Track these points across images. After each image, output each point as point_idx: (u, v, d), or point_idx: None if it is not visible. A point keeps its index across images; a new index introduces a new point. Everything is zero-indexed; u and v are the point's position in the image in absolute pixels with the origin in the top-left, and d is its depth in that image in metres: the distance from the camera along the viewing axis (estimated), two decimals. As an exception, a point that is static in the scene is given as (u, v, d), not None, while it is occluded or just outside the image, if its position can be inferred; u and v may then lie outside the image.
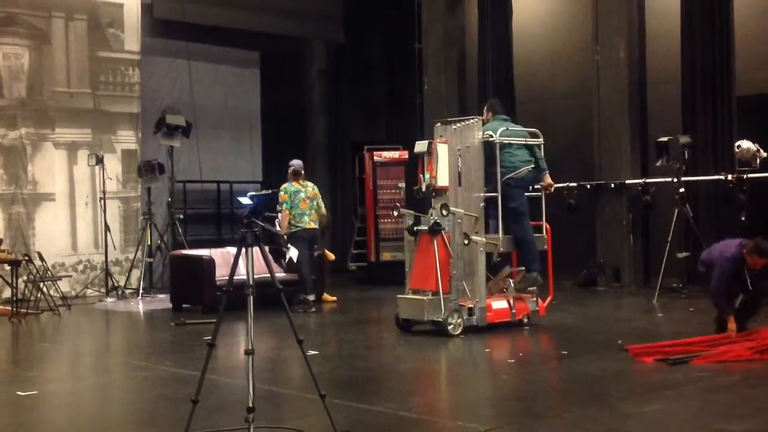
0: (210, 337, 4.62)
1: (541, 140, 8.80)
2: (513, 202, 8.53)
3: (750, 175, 10.05)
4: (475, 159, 8.47)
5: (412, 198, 9.63)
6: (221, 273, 10.33)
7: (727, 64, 11.12)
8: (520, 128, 8.98)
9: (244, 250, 4.43)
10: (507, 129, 8.64)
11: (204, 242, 13.08)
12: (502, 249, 8.50)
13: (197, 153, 13.92)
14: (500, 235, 8.46)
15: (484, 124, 8.67)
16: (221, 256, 10.61)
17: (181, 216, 13.22)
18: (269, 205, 4.74)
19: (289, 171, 10.66)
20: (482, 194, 8.50)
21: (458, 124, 8.44)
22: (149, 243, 12.67)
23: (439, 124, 8.60)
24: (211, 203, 14.76)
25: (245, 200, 4.54)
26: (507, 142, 8.55)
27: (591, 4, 12.33)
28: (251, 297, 4.39)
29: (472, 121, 8.56)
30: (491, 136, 8.42)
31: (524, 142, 8.68)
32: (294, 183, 10.54)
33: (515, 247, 8.68)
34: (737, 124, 10.99)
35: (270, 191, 5.82)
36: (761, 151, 9.70)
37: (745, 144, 9.75)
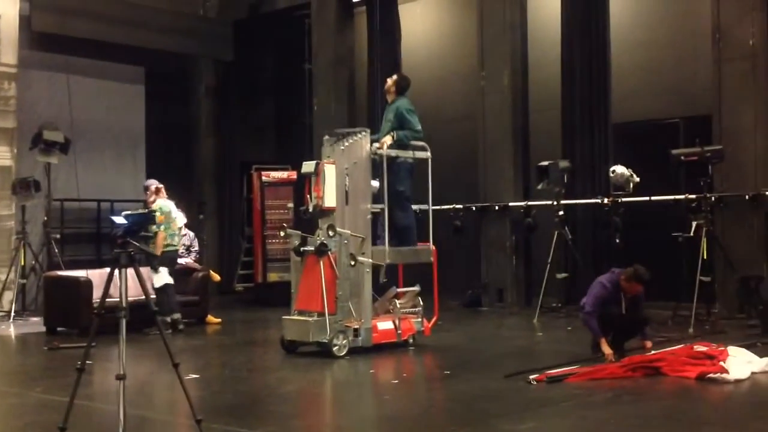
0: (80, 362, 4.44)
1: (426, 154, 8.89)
2: (400, 185, 8.60)
3: (624, 200, 10.48)
4: (362, 177, 8.47)
5: (300, 218, 9.58)
6: (99, 295, 9.93)
7: (604, 93, 11.60)
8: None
9: (117, 271, 4.29)
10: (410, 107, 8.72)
11: (82, 263, 12.58)
12: (389, 260, 8.45)
13: (75, 170, 13.44)
14: (386, 248, 8.43)
15: (390, 99, 8.79)
16: (99, 277, 10.20)
17: (58, 235, 12.72)
18: (144, 225, 4.61)
19: (152, 189, 10.41)
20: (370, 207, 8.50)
21: (346, 142, 8.44)
22: (23, 263, 12.12)
23: (327, 137, 8.58)
24: (91, 222, 14.27)
25: (119, 220, 4.37)
26: (408, 114, 8.58)
27: (477, 32, 12.64)
28: (124, 320, 4.23)
29: (360, 135, 8.51)
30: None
31: (411, 156, 8.73)
32: (164, 201, 10.31)
33: (397, 235, 8.63)
34: (613, 149, 11.47)
35: (146, 210, 5.69)
36: (634, 176, 10.13)
37: (620, 169, 10.16)
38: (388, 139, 8.47)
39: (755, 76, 10.07)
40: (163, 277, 9.93)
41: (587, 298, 7.51)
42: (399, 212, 8.60)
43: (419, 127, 8.66)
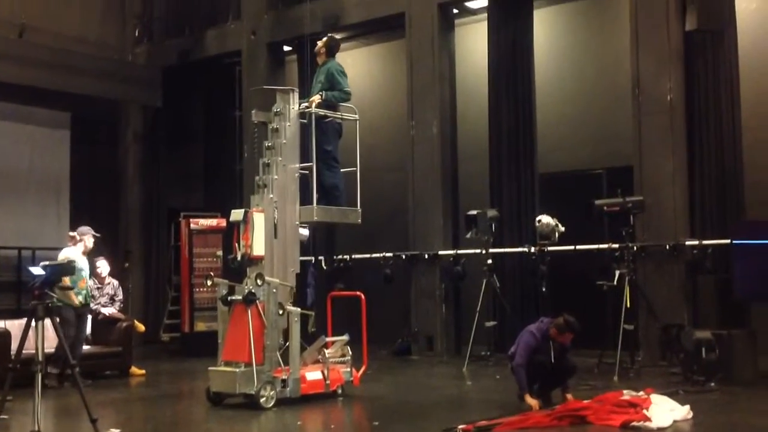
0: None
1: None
2: (328, 144, 8.59)
3: (550, 248, 10.66)
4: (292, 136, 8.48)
5: (229, 267, 9.46)
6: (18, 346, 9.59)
7: (530, 143, 11.88)
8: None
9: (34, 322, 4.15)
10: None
11: (1, 313, 12.15)
12: (316, 218, 8.45)
13: (-5, 217, 13.07)
14: (314, 206, 8.41)
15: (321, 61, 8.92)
16: (18, 328, 9.80)
17: (-24, 285, 12.25)
18: (62, 276, 4.46)
19: (92, 239, 10.07)
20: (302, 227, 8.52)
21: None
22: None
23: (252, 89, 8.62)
24: (11, 270, 13.80)
25: (37, 270, 4.25)
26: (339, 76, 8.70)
27: (407, 81, 12.83)
28: (39, 374, 4.09)
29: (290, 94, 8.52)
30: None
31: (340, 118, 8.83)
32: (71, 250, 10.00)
33: (324, 195, 8.62)
34: (540, 199, 11.70)
35: (66, 260, 5.49)
36: (560, 225, 10.33)
37: (545, 219, 10.35)
38: (317, 98, 8.59)
39: (673, 130, 10.44)
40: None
41: (516, 348, 7.56)
42: (326, 171, 8.63)
43: (348, 89, 8.82)
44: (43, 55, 13.74)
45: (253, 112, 8.83)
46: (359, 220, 8.93)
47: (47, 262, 4.48)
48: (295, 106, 8.54)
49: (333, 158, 8.71)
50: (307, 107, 8.56)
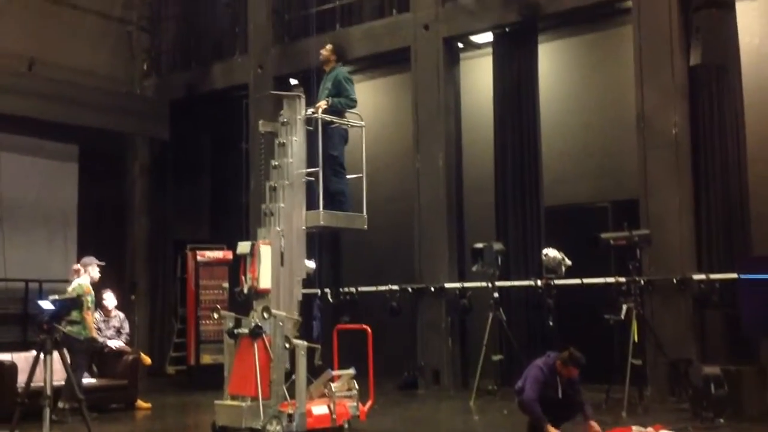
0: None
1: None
2: (334, 150, 8.61)
3: (557, 282, 10.64)
4: (300, 140, 8.52)
5: (235, 299, 9.46)
6: (24, 379, 9.57)
7: (536, 176, 11.90)
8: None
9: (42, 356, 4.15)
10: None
11: (7, 345, 12.12)
12: (323, 222, 8.48)
13: (3, 249, 13.07)
14: (321, 211, 8.44)
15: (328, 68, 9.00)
16: (25, 361, 9.82)
17: (-18, 317, 12.27)
18: (71, 310, 4.46)
19: (97, 269, 10.08)
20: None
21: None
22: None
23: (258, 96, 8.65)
24: (18, 303, 13.80)
25: (46, 304, 4.26)
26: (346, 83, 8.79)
27: (413, 114, 12.90)
28: (47, 408, 4.08)
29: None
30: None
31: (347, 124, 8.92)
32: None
33: (330, 200, 8.64)
34: (545, 232, 11.70)
35: (76, 295, 5.47)
36: (566, 259, 10.33)
37: (552, 252, 10.35)
38: (323, 104, 8.61)
39: (678, 164, 10.46)
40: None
41: (524, 382, 7.52)
42: (332, 177, 8.64)
43: (355, 96, 8.87)
44: (52, 89, 13.84)
45: (260, 122, 8.89)
46: (365, 226, 8.96)
47: (56, 296, 4.49)
48: (302, 113, 8.58)
49: (339, 164, 8.77)
50: (313, 113, 8.62)
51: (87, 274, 9.99)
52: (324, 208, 8.54)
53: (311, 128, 8.64)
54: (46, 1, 14.47)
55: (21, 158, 14.01)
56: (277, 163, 8.54)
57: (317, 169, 8.52)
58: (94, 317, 10.10)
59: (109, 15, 15.72)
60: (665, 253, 10.32)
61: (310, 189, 8.65)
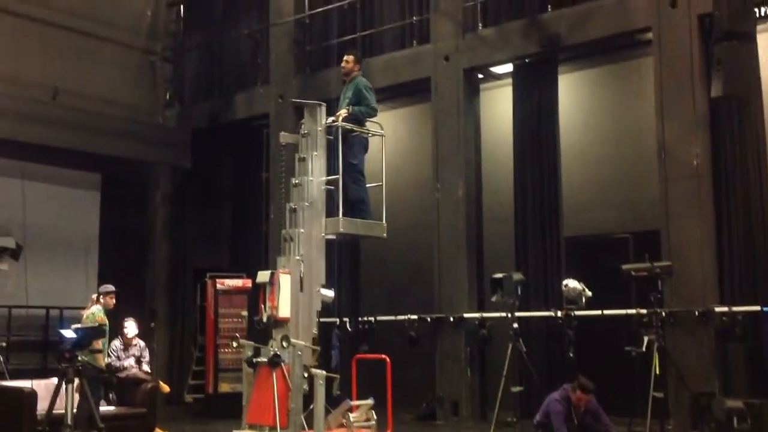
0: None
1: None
2: (354, 158, 8.62)
3: (577, 313, 10.56)
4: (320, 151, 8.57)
5: (254, 327, 9.47)
6: (44, 406, 9.57)
7: (555, 206, 11.87)
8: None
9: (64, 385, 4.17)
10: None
11: (27, 372, 12.17)
12: (342, 230, 8.50)
13: (25, 276, 13.18)
14: (340, 218, 8.45)
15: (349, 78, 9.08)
16: (45, 388, 9.84)
17: (4, 344, 12.33)
18: (94, 338, 4.48)
19: (113, 295, 10.09)
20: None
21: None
22: (-35, 373, 11.68)
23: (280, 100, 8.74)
24: (38, 330, 13.89)
25: (68, 333, 4.29)
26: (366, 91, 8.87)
27: (433, 144, 12.94)
28: (68, 438, 4.09)
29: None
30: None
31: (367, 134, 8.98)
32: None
33: (351, 209, 8.64)
34: (564, 263, 11.63)
35: (98, 324, 5.51)
36: (586, 290, 10.25)
37: (572, 283, 10.28)
38: (343, 112, 8.67)
39: (700, 195, 10.39)
40: None
41: (544, 417, 7.49)
42: (352, 185, 8.65)
43: (375, 105, 8.93)
44: (76, 118, 14.03)
45: (281, 134, 8.96)
46: (384, 234, 8.98)
47: (79, 325, 4.52)
48: (323, 122, 8.64)
49: (359, 172, 8.82)
50: (333, 121, 8.69)
51: (100, 302, 10.03)
52: (343, 216, 8.56)
53: (332, 137, 8.70)
54: (70, 31, 14.70)
55: (44, 186, 14.18)
56: (297, 182, 8.58)
57: (337, 177, 8.56)
58: (113, 345, 10.13)
59: (132, 45, 15.95)
60: (687, 285, 10.23)
61: (330, 197, 8.70)
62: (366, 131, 8.96)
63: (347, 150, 8.70)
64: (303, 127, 8.71)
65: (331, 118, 8.73)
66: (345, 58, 9.33)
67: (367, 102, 8.90)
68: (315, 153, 8.56)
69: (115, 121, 14.72)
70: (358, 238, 9.17)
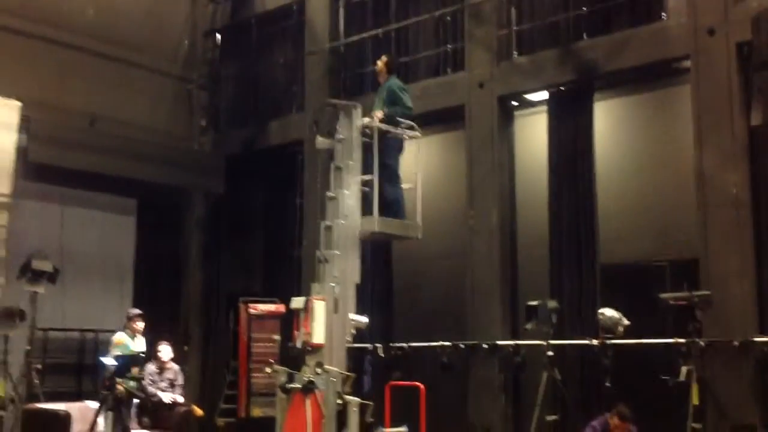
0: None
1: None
2: (389, 159, 8.58)
3: (613, 342, 10.43)
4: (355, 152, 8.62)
5: (287, 352, 9.48)
6: (78, 429, 9.67)
7: (591, 234, 11.77)
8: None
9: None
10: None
11: (62, 395, 12.28)
12: (377, 229, 8.61)
13: (62, 300, 13.33)
14: (375, 217, 8.55)
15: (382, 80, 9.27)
16: (79, 411, 9.96)
17: (39, 366, 12.44)
18: (132, 366, 4.50)
19: (140, 319, 10.15)
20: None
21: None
22: (2, 395, 11.78)
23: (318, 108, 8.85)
24: (74, 353, 14.02)
25: (109, 360, 4.31)
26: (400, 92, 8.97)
27: (466, 171, 12.92)
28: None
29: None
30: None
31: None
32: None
33: (386, 208, 8.66)
34: (600, 291, 11.51)
35: (139, 352, 5.53)
36: (623, 319, 10.12)
37: (609, 312, 10.16)
38: (379, 113, 8.67)
39: (739, 224, 10.24)
40: None
41: None
42: (387, 185, 8.67)
43: (410, 104, 8.93)
44: (113, 144, 14.23)
45: (317, 139, 9.03)
46: (419, 235, 9.02)
47: (119, 353, 4.55)
48: (358, 123, 8.68)
49: (394, 173, 8.83)
50: (369, 122, 8.71)
51: (127, 327, 10.14)
52: (380, 215, 8.58)
53: (368, 140, 8.75)
54: (109, 59, 14.95)
55: (81, 211, 14.37)
56: (333, 195, 8.62)
57: (371, 177, 8.58)
58: (148, 369, 10.19)
59: (169, 73, 16.19)
60: (726, 315, 10.05)
61: (365, 197, 8.73)
62: (401, 132, 9.02)
63: (382, 151, 8.74)
64: (338, 131, 8.78)
65: (366, 119, 8.79)
66: (379, 59, 9.49)
67: (402, 102, 9.01)
68: (351, 162, 8.60)
69: (151, 147, 14.91)
70: (391, 238, 9.20)
